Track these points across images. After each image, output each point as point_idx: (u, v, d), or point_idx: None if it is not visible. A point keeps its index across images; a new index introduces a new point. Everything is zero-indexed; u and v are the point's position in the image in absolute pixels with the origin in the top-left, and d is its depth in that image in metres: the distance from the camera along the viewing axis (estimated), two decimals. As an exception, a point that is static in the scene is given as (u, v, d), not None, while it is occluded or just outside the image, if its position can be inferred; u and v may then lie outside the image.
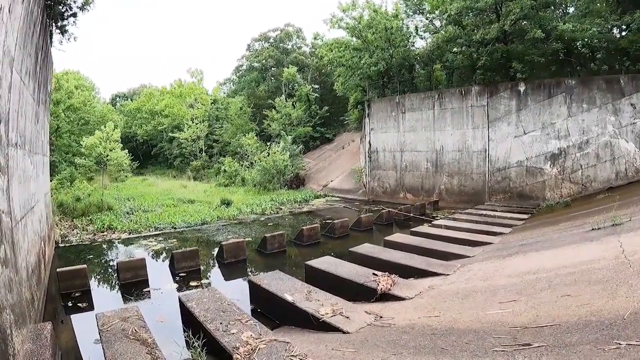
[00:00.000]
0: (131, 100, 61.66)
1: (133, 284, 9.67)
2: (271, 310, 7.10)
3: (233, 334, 5.10)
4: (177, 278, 10.17)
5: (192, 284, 9.78)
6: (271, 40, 51.85)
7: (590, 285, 5.06)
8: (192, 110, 45.29)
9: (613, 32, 18.20)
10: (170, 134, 45.73)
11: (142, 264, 10.08)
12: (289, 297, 6.46)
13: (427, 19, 24.23)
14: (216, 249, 12.38)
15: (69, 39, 15.01)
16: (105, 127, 37.83)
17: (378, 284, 6.74)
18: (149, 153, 54.46)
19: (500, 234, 11.95)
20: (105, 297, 9.22)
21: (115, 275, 10.15)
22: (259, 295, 7.47)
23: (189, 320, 6.18)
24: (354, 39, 26.87)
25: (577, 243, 7.91)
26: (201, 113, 44.97)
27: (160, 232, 15.65)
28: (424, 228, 13.09)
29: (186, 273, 10.45)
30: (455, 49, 22.32)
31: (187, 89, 48.70)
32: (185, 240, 14.44)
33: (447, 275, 7.62)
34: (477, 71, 20.76)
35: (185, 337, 5.69)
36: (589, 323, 3.95)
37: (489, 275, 6.87)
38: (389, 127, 23.98)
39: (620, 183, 16.08)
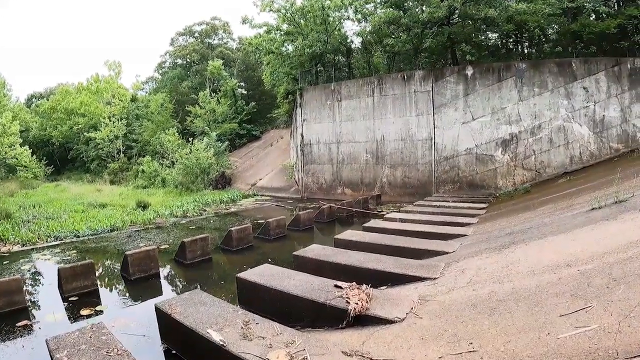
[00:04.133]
0: (47, 100, 54.82)
1: (4, 315, 6.63)
2: (191, 353, 4.51)
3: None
4: (67, 304, 7.25)
5: (84, 312, 6.85)
6: (196, 34, 49.08)
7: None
8: (109, 107, 40.77)
9: (565, 15, 17.45)
10: (85, 134, 40.82)
11: (17, 286, 6.96)
12: (215, 337, 3.95)
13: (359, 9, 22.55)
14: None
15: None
16: (0, 118, 32.68)
17: (348, 302, 4.40)
18: (65, 157, 48.61)
19: (468, 224, 10.22)
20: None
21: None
22: (171, 330, 4.89)
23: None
24: (285, 25, 24.65)
25: (588, 225, 6.23)
26: (119, 110, 40.64)
27: (60, 242, 12.78)
28: (378, 223, 11.02)
29: (78, 296, 7.47)
30: (395, 33, 20.68)
31: (104, 83, 43.86)
32: (88, 251, 11.56)
33: (435, 279, 5.47)
34: (421, 54, 19.24)
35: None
36: None
37: (501, 275, 4.81)
38: (323, 117, 21.90)
39: (575, 168, 15.22)
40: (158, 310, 5.16)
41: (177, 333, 4.75)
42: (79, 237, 13.43)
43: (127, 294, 8.20)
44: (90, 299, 7.48)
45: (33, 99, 63.85)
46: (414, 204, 14.91)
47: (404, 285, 5.51)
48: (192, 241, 9.90)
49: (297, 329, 4.68)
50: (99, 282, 8.18)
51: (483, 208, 13.09)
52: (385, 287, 5.61)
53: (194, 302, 5.13)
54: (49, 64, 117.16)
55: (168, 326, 5.00)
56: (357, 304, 4.35)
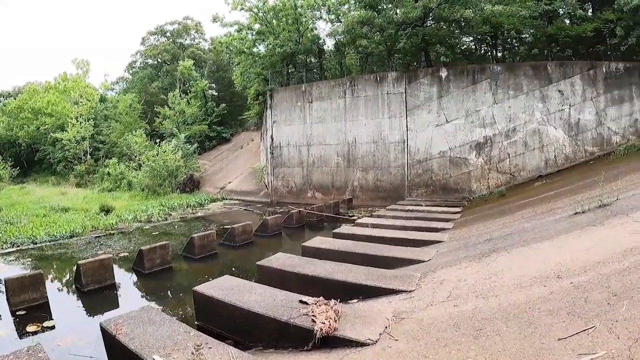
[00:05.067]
0: (15, 99, 52.37)
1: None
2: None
3: None
4: (14, 318, 6.44)
5: (30, 328, 6.05)
6: (168, 34, 48.02)
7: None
8: (76, 107, 39.18)
9: (541, 18, 17.34)
10: (52, 135, 39.09)
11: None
12: (162, 365, 3.31)
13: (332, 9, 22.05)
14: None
15: None
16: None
17: (314, 320, 3.79)
18: (32, 159, 46.50)
19: (443, 229, 9.72)
20: None
21: None
22: (117, 353, 4.22)
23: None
24: (257, 24, 23.98)
25: (574, 230, 5.79)
26: (86, 110, 39.08)
27: (16, 248, 11.92)
28: (348, 229, 10.44)
29: (26, 310, 6.69)
30: (368, 34, 20.24)
31: (72, 82, 42.08)
32: (43, 259, 10.81)
33: (410, 292, 4.89)
34: (395, 55, 18.81)
35: None
36: None
37: (484, 288, 4.27)
38: (294, 119, 21.27)
39: (550, 171, 15.08)
40: (103, 329, 4.49)
41: (123, 357, 4.07)
42: (36, 243, 12.62)
43: (79, 308, 7.42)
44: (39, 313, 6.72)
45: (0, 98, 61.21)
46: (387, 208, 14.40)
47: (376, 298, 4.91)
48: (150, 249, 9.14)
49: (258, 350, 4.15)
50: (49, 294, 7.37)
51: (458, 212, 12.70)
52: (356, 300, 5.01)
53: (143, 320, 4.45)
54: (19, 64, 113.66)
55: (113, 348, 4.33)
56: (323, 323, 3.73)
